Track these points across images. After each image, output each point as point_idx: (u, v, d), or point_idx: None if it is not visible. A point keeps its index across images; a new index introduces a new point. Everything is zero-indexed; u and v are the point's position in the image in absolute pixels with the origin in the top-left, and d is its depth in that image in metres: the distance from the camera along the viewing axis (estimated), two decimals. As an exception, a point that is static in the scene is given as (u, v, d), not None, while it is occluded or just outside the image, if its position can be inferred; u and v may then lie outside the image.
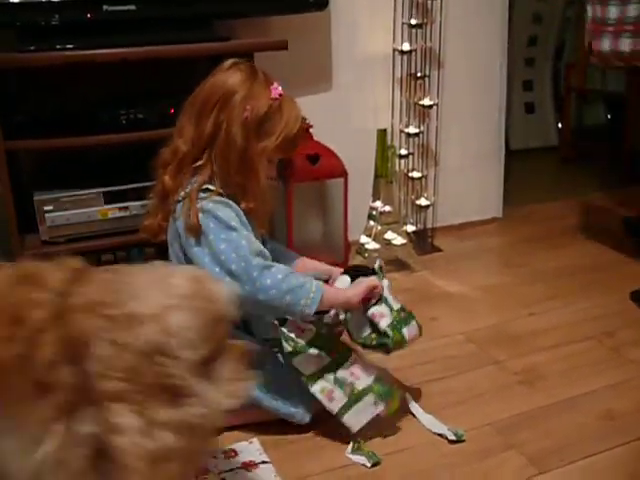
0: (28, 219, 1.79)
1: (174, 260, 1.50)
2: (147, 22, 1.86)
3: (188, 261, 1.45)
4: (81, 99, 1.94)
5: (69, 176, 1.91)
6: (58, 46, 1.75)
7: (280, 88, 1.48)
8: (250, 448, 1.45)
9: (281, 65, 2.26)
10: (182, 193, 1.45)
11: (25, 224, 1.79)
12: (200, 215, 1.40)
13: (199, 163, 1.45)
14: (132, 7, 1.83)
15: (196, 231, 1.41)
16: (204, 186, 1.44)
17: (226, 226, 1.40)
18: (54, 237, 1.80)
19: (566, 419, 1.54)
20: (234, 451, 1.44)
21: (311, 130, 2.27)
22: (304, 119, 1.60)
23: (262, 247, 1.44)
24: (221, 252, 1.38)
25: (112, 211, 1.85)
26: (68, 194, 1.80)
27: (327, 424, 1.52)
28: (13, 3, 1.74)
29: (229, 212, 1.42)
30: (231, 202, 1.45)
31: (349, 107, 2.49)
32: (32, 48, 1.73)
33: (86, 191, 1.82)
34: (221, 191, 1.45)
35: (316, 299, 1.39)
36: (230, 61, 1.49)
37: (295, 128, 1.48)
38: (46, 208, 1.78)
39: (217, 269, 1.37)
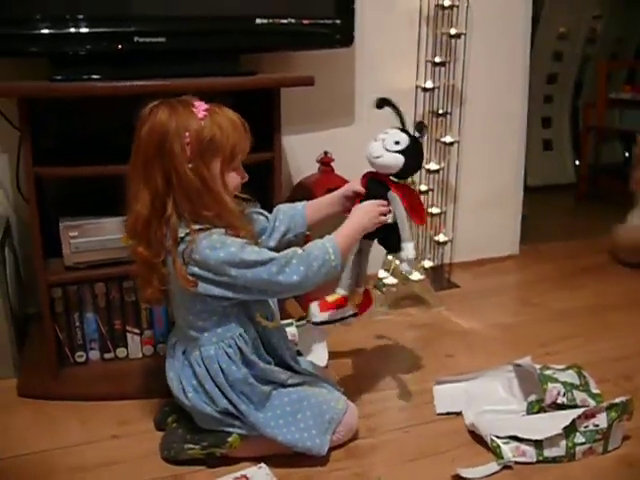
0: (51, 244, 1.81)
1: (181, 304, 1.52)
2: (176, 54, 1.89)
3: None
4: (109, 127, 1.96)
5: (94, 203, 1.92)
6: (87, 76, 1.78)
7: (203, 104, 1.43)
8: (260, 473, 1.46)
9: (304, 99, 2.30)
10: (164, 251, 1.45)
11: (48, 249, 1.81)
12: (195, 269, 1.41)
13: (166, 216, 1.41)
14: (162, 39, 1.86)
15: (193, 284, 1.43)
16: (180, 236, 1.42)
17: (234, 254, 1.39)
18: (77, 263, 1.82)
19: (585, 463, 1.52)
20: (245, 477, 1.44)
21: (332, 164, 2.29)
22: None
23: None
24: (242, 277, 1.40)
25: (134, 238, 1.86)
26: (92, 221, 1.82)
27: (346, 458, 1.54)
28: (47, 34, 1.77)
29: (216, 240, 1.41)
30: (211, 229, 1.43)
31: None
32: (60, 78, 1.76)
33: (110, 218, 1.84)
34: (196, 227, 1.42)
35: (337, 259, 1.47)
36: (147, 108, 1.45)
37: (237, 131, 1.44)
38: (71, 234, 1.80)
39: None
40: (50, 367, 1.84)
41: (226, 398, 1.47)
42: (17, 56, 1.94)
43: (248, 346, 1.49)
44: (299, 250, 1.46)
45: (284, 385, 1.53)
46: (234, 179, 1.48)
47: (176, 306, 1.54)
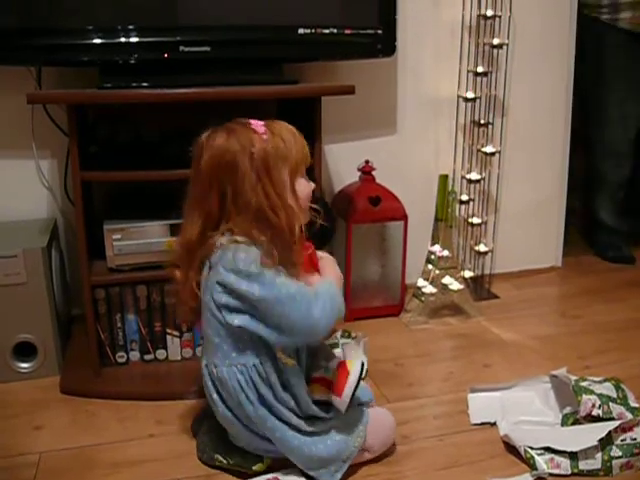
0: (96, 246, 1.86)
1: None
2: (220, 63, 1.93)
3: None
4: (153, 133, 2.02)
5: (137, 207, 1.97)
6: (135, 84, 1.82)
7: (259, 121, 1.43)
8: (292, 475, 1.47)
9: (346, 108, 2.33)
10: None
11: (93, 251, 1.86)
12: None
13: (215, 235, 1.41)
14: (207, 49, 1.90)
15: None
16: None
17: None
18: (120, 265, 1.86)
19: (622, 478, 1.50)
20: (277, 478, 1.46)
21: (373, 173, 2.31)
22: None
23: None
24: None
25: (177, 242, 1.90)
26: (136, 224, 1.86)
27: (379, 464, 1.54)
28: (96, 44, 1.83)
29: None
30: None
31: (412, 151, 2.52)
32: (109, 85, 1.81)
33: (153, 222, 1.88)
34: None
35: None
36: (202, 136, 1.44)
37: (297, 140, 1.42)
38: (114, 237, 1.84)
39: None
40: (92, 366, 1.89)
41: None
42: (70, 65, 2.01)
43: (263, 382, 1.42)
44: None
45: (300, 430, 1.45)
46: (305, 187, 1.45)
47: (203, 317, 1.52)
